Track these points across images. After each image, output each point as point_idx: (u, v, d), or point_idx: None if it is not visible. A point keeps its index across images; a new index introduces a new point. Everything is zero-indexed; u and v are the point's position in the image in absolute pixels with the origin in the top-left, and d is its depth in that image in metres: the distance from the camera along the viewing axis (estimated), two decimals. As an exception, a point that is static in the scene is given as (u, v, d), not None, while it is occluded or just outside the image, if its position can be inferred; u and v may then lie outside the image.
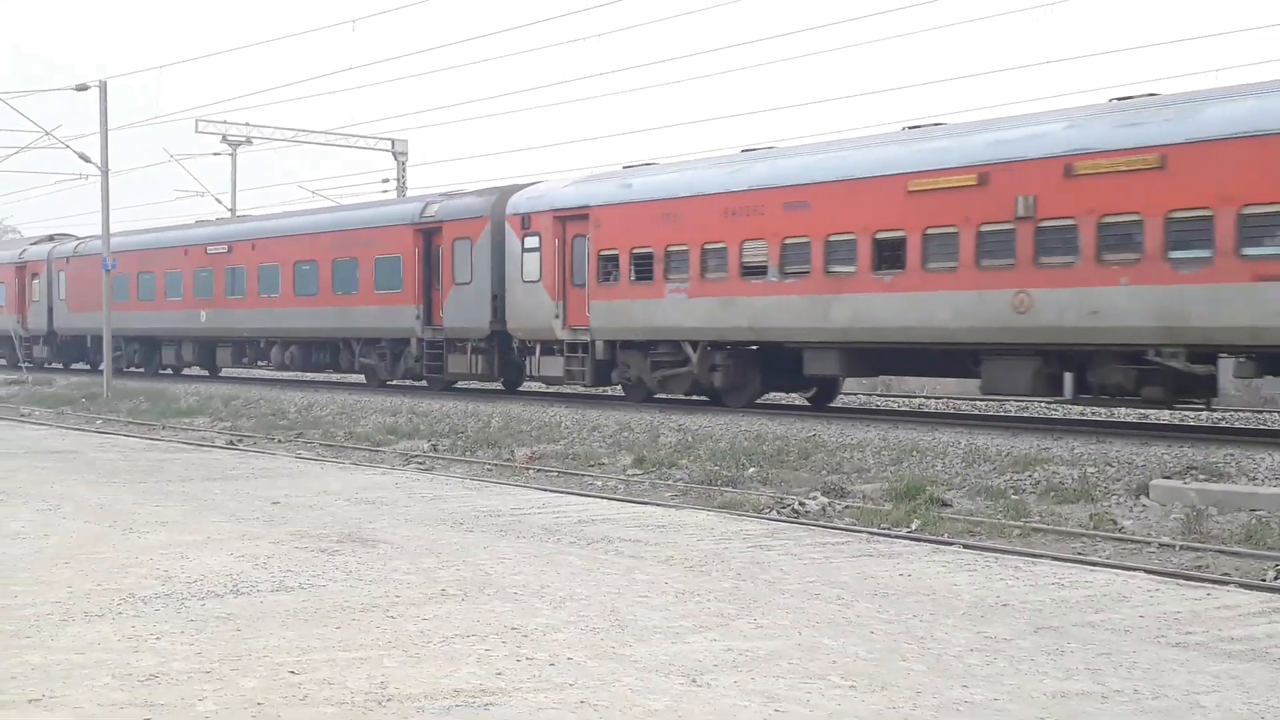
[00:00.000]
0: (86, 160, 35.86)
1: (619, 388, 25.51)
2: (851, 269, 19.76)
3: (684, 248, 22.38)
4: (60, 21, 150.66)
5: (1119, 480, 14.28)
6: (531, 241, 25.44)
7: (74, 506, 12.64)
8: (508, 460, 19.22)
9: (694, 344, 22.72)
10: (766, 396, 24.52)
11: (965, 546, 11.18)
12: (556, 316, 24.90)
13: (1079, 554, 11.36)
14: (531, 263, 25.43)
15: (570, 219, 24.73)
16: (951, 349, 19.44)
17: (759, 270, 21.16)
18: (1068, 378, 18.35)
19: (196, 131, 47.20)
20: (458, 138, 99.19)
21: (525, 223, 25.59)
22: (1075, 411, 22.69)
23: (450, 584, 8.65)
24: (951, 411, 23.74)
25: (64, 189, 48.25)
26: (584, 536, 10.93)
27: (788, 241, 20.66)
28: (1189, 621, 7.81)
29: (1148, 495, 13.63)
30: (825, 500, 14.33)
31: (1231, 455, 14.80)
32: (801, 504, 14.11)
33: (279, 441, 23.03)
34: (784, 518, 13.27)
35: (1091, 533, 12.42)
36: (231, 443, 22.71)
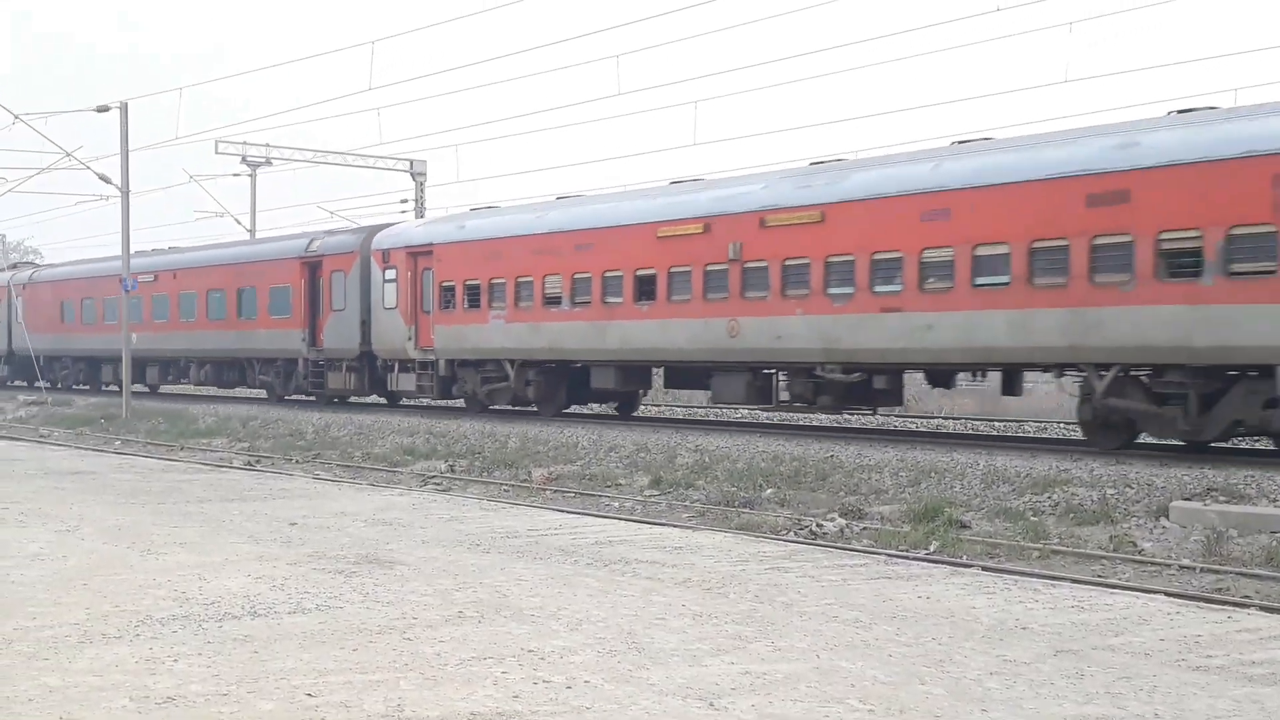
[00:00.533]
0: (107, 181, 36.06)
1: (461, 399, 29.51)
2: (620, 300, 24.06)
3: (503, 281, 26.66)
4: (82, 41, 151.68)
5: (1139, 502, 14.21)
6: (390, 274, 29.79)
7: (92, 528, 12.67)
8: (525, 481, 19.21)
9: (512, 362, 26.89)
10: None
11: (984, 569, 11.13)
12: (409, 339, 29.17)
13: (1099, 576, 11.30)
14: (390, 292, 29.72)
15: (420, 254, 29.09)
16: (690, 366, 24.08)
17: (557, 300, 25.46)
18: (778, 389, 22.50)
19: (216, 152, 47.41)
20: (477, 158, 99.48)
21: (386, 258, 29.97)
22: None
23: (467, 606, 8.65)
24: (970, 433, 23.67)
25: (85, 210, 48.74)
26: (601, 558, 10.92)
27: (577, 276, 24.96)
28: (1210, 645, 7.76)
29: (1168, 517, 13.55)
30: (843, 522, 14.28)
31: (1252, 477, 14.72)
32: (819, 525, 14.06)
33: (296, 462, 23.08)
34: (801, 539, 13.23)
35: (1111, 555, 12.35)
36: (249, 463, 22.76)
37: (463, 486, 19.02)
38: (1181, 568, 11.69)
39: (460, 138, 76.24)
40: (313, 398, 33.65)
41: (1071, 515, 14.02)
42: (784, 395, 22.38)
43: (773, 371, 22.29)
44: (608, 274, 24.26)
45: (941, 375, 21.43)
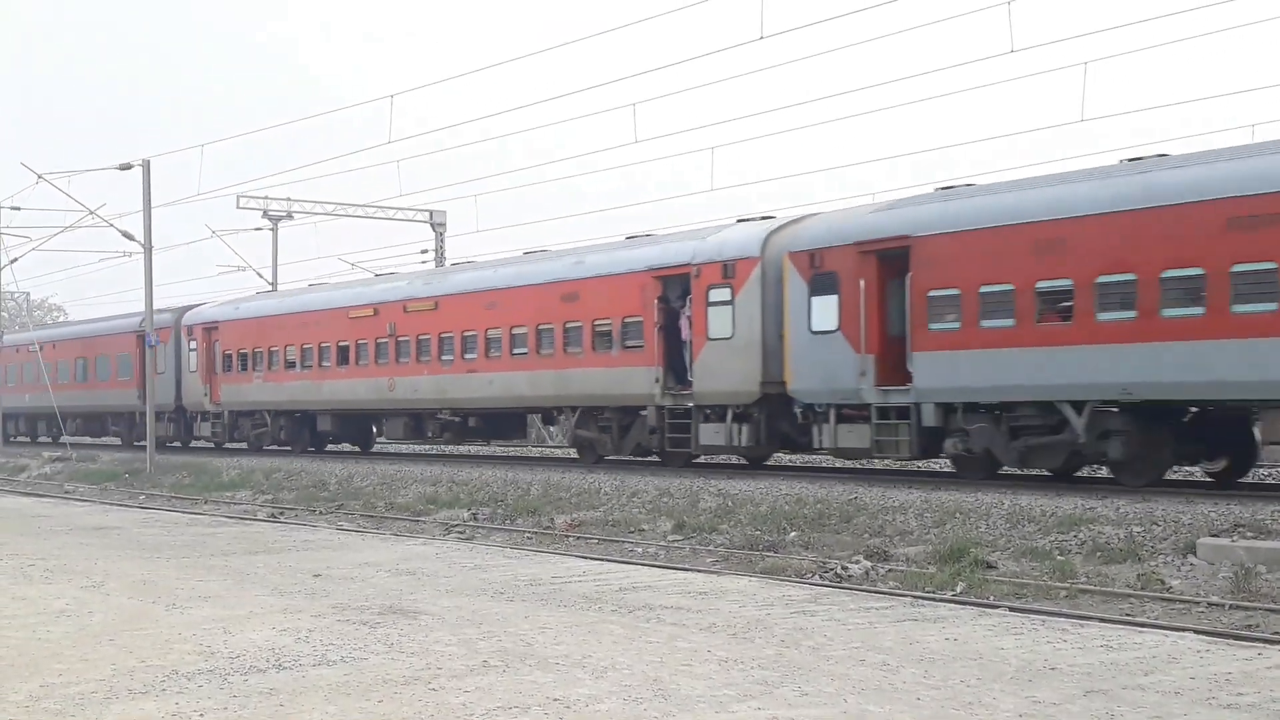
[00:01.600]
0: (130, 239, 36.36)
1: (243, 442, 37.49)
2: (329, 364, 32.64)
3: (261, 350, 35.20)
4: (106, 100, 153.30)
5: (1165, 539, 14.10)
6: (193, 345, 38.25)
7: (117, 583, 12.70)
8: (548, 528, 19.19)
9: (269, 412, 35.53)
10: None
11: (1011, 609, 11.05)
12: (205, 395, 37.51)
13: (1127, 615, 11.21)
14: (193, 359, 38.29)
15: (211, 329, 37.78)
16: (372, 413, 33.17)
17: (293, 365, 33.93)
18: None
19: (238, 207, 47.73)
20: (496, 207, 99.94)
21: (190, 332, 38.52)
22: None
23: (492, 655, 8.62)
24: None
25: (109, 266, 49.37)
26: (625, 604, 10.89)
27: (304, 347, 33.52)
28: (1240, 682, 7.69)
29: (1195, 554, 13.45)
30: (868, 564, 14.21)
31: (1278, 512, 14.59)
32: (844, 568, 14.00)
33: (320, 513, 23.11)
34: (827, 582, 13.17)
35: (1139, 593, 12.26)
36: (273, 515, 22.80)
37: (486, 535, 19.01)
38: (1210, 605, 11.60)
39: (479, 188, 76.48)
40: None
41: (1098, 554, 13.92)
42: (429, 433, 30.98)
43: (419, 414, 30.58)
44: (322, 344, 32.90)
45: (548, 415, 30.14)
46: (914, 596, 11.79)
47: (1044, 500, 16.84)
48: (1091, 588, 12.56)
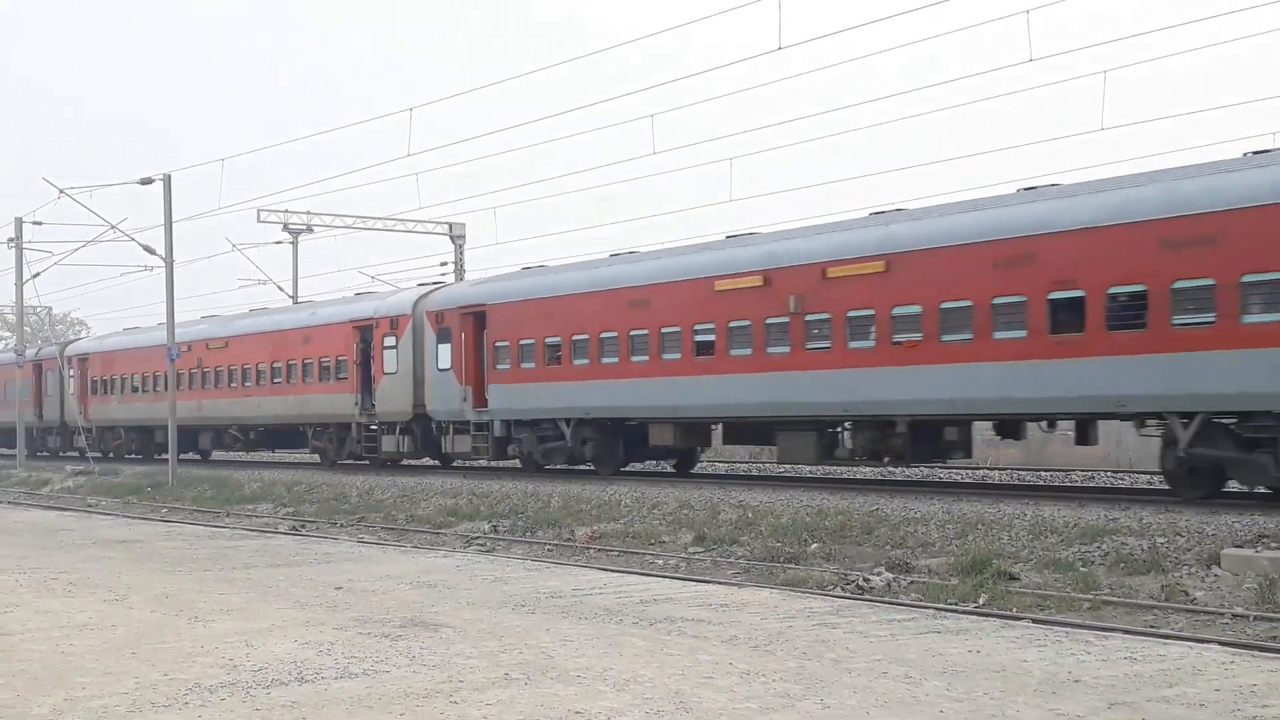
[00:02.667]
0: (152, 252, 36.53)
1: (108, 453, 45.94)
2: (161, 389, 39.14)
3: (116, 376, 43.83)
4: (127, 116, 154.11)
5: (1189, 550, 14.02)
6: (72, 373, 46.70)
7: (140, 596, 12.74)
8: (568, 540, 19.18)
9: (124, 427, 44.03)
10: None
11: (1035, 621, 11.00)
12: (81, 413, 45.57)
13: (1151, 627, 11.15)
14: (73, 384, 46.53)
15: (84, 359, 46.28)
16: (191, 428, 39.66)
17: (137, 389, 42.51)
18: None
19: (258, 221, 47.87)
20: (515, 219, 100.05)
21: (70, 362, 47.03)
22: (1143, 480, 22.40)
23: (513, 667, 8.62)
24: (1015, 483, 23.46)
25: (131, 280, 49.86)
26: (646, 617, 10.87)
27: (144, 374, 42.04)
28: (1265, 694, 7.64)
29: (1219, 565, 13.36)
30: (890, 576, 14.16)
31: (1305, 522, 14.49)
32: (866, 580, 13.95)
33: (341, 526, 23.15)
34: (848, 594, 13.13)
35: (1163, 604, 12.19)
36: (294, 528, 22.84)
37: (506, 547, 19.01)
38: (1235, 616, 11.53)
39: (498, 200, 76.72)
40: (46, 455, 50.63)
41: (1122, 565, 13.84)
42: (226, 443, 39.30)
43: (220, 429, 39.40)
44: (155, 373, 40.68)
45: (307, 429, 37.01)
46: (936, 608, 11.75)
47: (1066, 511, 16.76)
48: (1115, 599, 12.49)
